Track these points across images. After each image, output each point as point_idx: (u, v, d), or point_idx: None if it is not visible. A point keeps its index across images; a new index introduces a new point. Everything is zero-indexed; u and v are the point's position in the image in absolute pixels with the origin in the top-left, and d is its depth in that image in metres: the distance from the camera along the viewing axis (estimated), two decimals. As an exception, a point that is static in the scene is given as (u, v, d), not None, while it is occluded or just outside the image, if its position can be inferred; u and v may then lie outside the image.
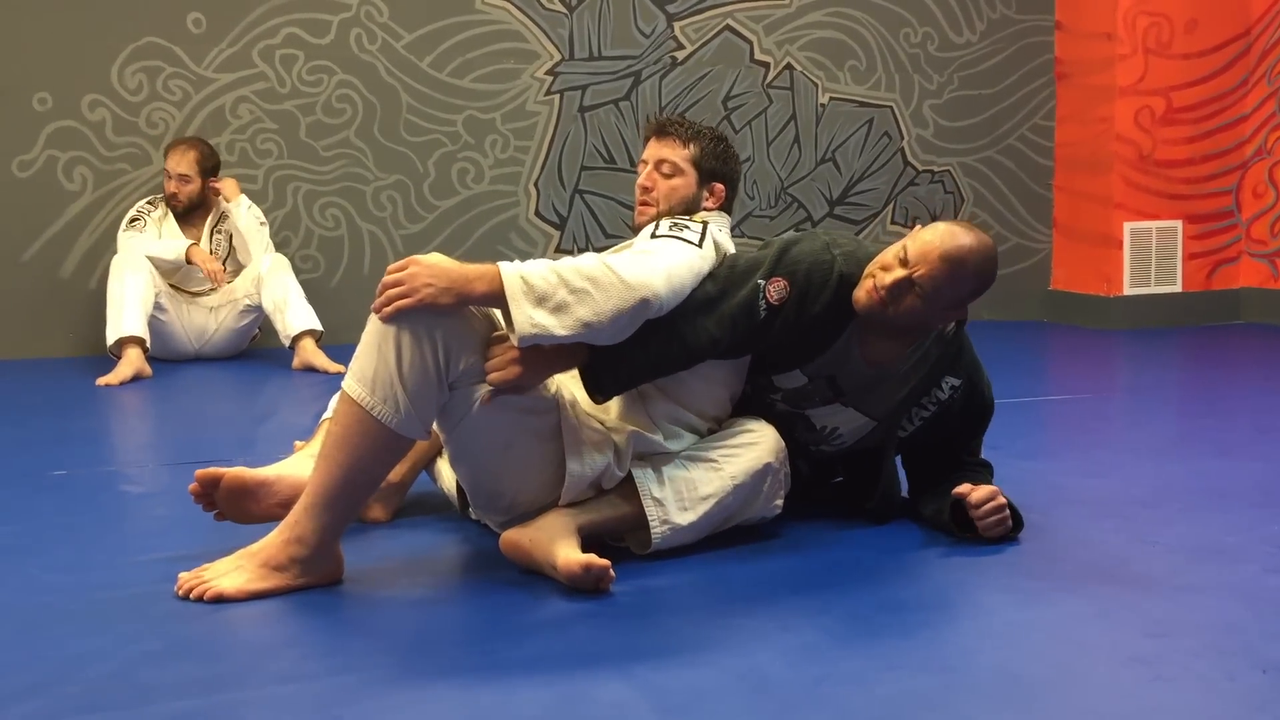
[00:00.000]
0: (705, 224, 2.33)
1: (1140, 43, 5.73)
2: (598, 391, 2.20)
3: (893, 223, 6.00)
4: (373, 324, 2.04)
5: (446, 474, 2.51)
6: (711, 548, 2.30)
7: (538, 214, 5.54)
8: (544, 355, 2.10)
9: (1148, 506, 2.62)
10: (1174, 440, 3.44)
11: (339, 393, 2.09)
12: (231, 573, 2.03)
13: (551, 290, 2.03)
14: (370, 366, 2.02)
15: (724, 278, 2.27)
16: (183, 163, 4.74)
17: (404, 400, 2.00)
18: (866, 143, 5.94)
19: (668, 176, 2.53)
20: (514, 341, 2.05)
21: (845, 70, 5.87)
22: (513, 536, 2.16)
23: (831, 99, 5.87)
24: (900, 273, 2.21)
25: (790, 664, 1.76)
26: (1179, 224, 5.88)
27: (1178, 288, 5.90)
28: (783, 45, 5.78)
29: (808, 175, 5.88)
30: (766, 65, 5.78)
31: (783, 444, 2.35)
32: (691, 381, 2.31)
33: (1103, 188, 5.85)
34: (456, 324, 2.04)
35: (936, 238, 2.22)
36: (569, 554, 2.06)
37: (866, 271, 2.27)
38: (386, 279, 2.02)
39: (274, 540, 2.05)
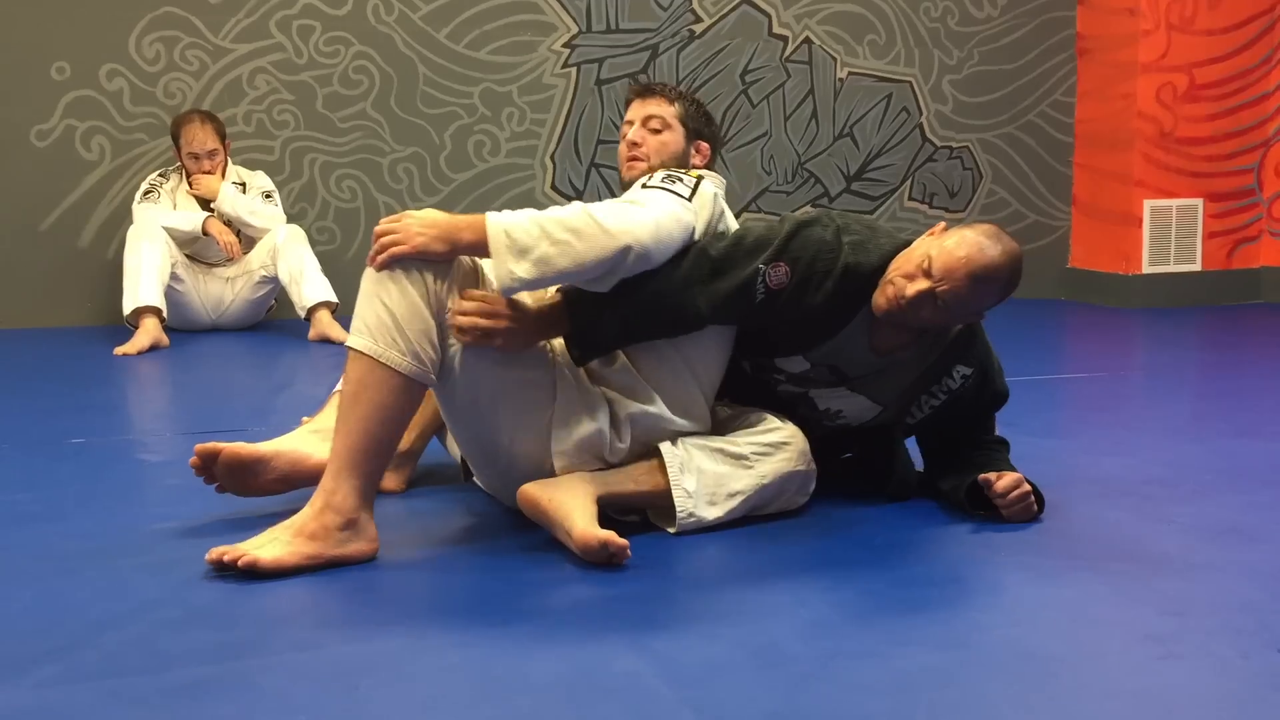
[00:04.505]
0: (700, 178, 2.29)
1: (1163, 18, 5.67)
2: (578, 350, 2.18)
3: (910, 199, 5.97)
4: (368, 275, 2.07)
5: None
6: (726, 524, 2.30)
7: (554, 187, 5.53)
8: (525, 324, 2.12)
9: (1164, 485, 2.61)
10: (1191, 419, 3.43)
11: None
12: (267, 545, 2.01)
13: (533, 243, 2.04)
14: (371, 315, 2.04)
15: (726, 253, 2.21)
16: (209, 138, 4.73)
17: (406, 343, 2.02)
18: (885, 118, 5.90)
19: (656, 132, 2.56)
20: (497, 292, 2.08)
21: (864, 45, 5.83)
22: (532, 492, 2.14)
23: (850, 73, 5.83)
24: (923, 285, 2.15)
25: (802, 638, 1.76)
26: (1199, 202, 5.83)
27: (1197, 266, 5.86)
28: (801, 19, 5.74)
29: (825, 150, 5.84)
30: (785, 39, 5.74)
31: (808, 446, 2.33)
32: (685, 343, 2.27)
33: (1123, 165, 5.80)
34: (446, 268, 2.07)
35: (964, 252, 2.16)
36: (587, 526, 2.05)
37: (887, 277, 2.22)
38: (379, 229, 2.07)
39: (308, 510, 2.04)
